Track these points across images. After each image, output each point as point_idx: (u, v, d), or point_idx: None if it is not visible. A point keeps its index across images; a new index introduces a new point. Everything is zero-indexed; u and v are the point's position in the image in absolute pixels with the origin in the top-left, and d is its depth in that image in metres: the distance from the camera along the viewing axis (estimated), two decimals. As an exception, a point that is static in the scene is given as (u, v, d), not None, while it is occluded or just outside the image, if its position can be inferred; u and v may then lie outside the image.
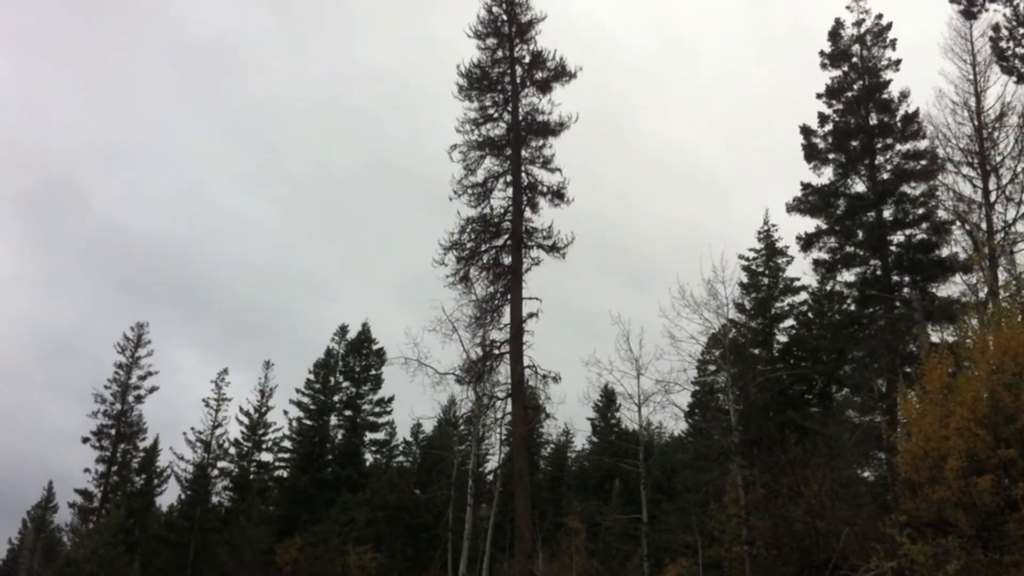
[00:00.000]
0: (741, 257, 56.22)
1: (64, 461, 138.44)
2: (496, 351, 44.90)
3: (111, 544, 67.42)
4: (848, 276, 50.68)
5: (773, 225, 57.38)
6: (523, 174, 45.88)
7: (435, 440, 76.18)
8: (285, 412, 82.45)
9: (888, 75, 52.12)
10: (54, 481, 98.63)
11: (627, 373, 50.73)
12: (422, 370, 47.10)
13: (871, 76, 52.14)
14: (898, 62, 52.18)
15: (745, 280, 55.69)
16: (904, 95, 50.95)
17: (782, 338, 54.99)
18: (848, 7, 53.47)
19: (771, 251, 56.89)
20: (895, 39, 52.52)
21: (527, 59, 47.06)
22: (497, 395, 49.51)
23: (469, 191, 46.11)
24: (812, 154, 52.35)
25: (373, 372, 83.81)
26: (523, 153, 46.08)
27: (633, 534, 54.25)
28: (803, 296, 55.08)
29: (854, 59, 52.92)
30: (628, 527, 55.20)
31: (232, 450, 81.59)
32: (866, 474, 43.58)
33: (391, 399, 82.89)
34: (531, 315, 43.83)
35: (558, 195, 45.78)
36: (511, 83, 46.96)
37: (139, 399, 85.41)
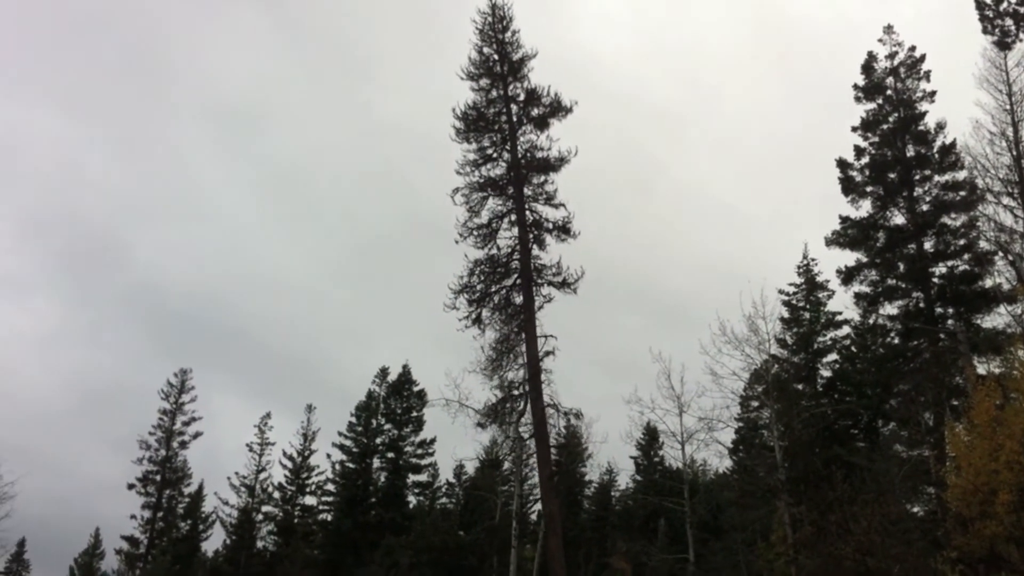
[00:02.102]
0: (781, 292, 56.05)
1: (110, 508, 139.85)
2: (515, 392, 44.69)
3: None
4: (891, 309, 50.41)
5: (813, 259, 57.23)
6: (527, 212, 45.72)
7: (478, 481, 76.09)
8: (328, 455, 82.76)
9: (923, 106, 52.10)
10: (101, 528, 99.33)
11: (669, 411, 50.56)
12: (463, 411, 47.16)
13: (906, 108, 52.11)
14: (933, 93, 52.15)
15: (786, 315, 55.46)
16: (940, 126, 50.89)
17: (826, 373, 54.62)
18: (880, 40, 53.67)
19: (811, 285, 56.65)
20: (929, 71, 52.58)
21: (522, 97, 46.96)
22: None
23: (475, 233, 45.98)
24: (849, 187, 52.27)
25: (414, 414, 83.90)
26: (525, 191, 45.93)
27: (680, 573, 53.74)
28: (846, 330, 54.78)
29: (888, 91, 52.94)
30: (675, 567, 54.66)
31: (276, 494, 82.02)
32: (915, 510, 43.03)
33: (433, 440, 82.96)
34: (547, 353, 43.63)
35: (564, 230, 45.62)
36: (508, 122, 46.84)
37: (183, 445, 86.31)
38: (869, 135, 52.77)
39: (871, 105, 53.23)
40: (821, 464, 42.96)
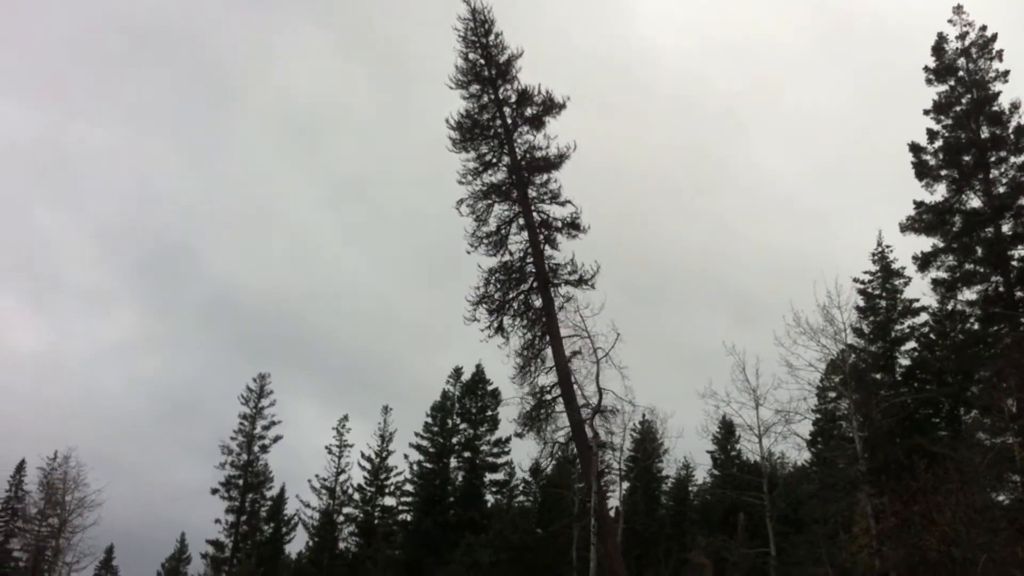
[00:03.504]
0: (856, 281, 55.25)
1: (195, 513, 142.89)
2: (548, 396, 44.28)
3: (244, 593, 69.47)
4: (969, 294, 49.48)
5: (888, 246, 56.31)
6: (534, 213, 45.32)
7: (554, 479, 76.32)
8: (405, 456, 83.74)
9: (997, 87, 51.01)
10: (186, 533, 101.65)
11: (745, 404, 50.40)
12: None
13: (979, 89, 51.06)
14: (1006, 73, 51.06)
15: (861, 304, 54.69)
16: (1015, 106, 49.76)
17: (904, 361, 53.76)
18: (950, 20, 52.66)
19: (887, 273, 55.78)
20: (1001, 50, 51.46)
21: (513, 98, 46.36)
22: (613, 431, 49.44)
23: (485, 241, 45.55)
24: (923, 171, 51.41)
25: (489, 413, 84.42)
26: (530, 192, 45.53)
27: (762, 568, 53.41)
28: (924, 317, 53.84)
29: (960, 73, 51.94)
30: (756, 561, 54.35)
31: (356, 496, 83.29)
32: (1001, 498, 42.19)
33: (508, 439, 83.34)
34: (575, 354, 43.42)
35: (573, 226, 45.12)
36: (503, 125, 46.26)
37: (264, 449, 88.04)
38: (942, 118, 51.82)
39: (943, 87, 52.27)
40: (903, 454, 42.45)
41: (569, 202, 45.35)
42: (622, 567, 41.96)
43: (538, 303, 44.39)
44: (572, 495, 62.05)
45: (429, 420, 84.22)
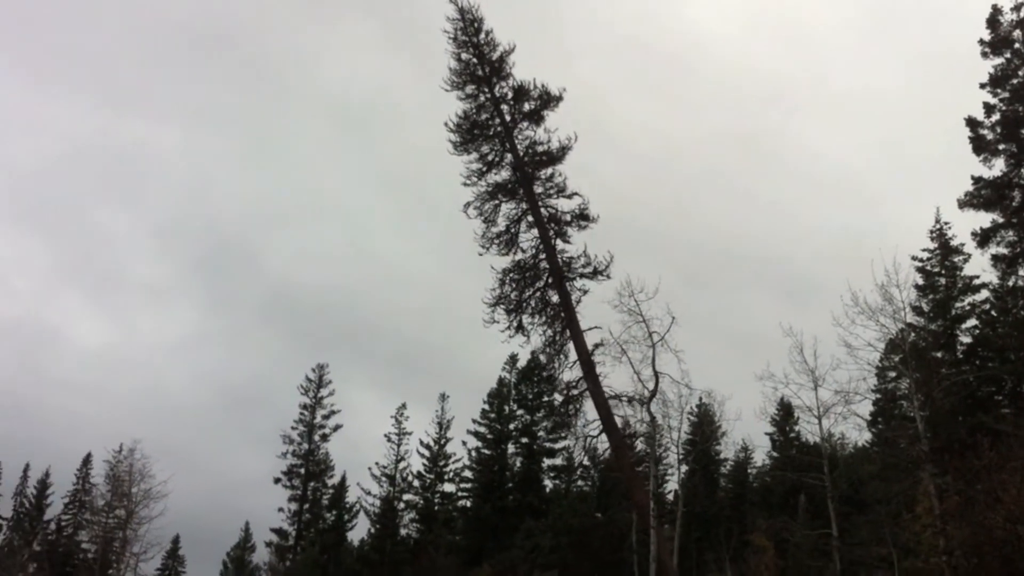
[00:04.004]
0: (914, 259, 54.57)
1: (258, 502, 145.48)
2: (574, 391, 44.12)
3: (309, 581, 70.67)
4: (1031, 269, 48.66)
5: (946, 223, 55.51)
6: (542, 208, 45.09)
7: (612, 463, 76.57)
8: (463, 443, 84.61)
9: (1056, 57, 50.02)
10: (250, 522, 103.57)
11: (803, 385, 50.12)
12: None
13: (1038, 60, 50.14)
14: (1065, 43, 50.05)
15: (920, 282, 54.03)
16: (1075, 76, 48.80)
17: (965, 339, 53.05)
18: (1005, -8, 51.67)
19: (946, 250, 55.04)
20: (1059, 19, 50.40)
21: (510, 95, 45.80)
22: (672, 415, 49.56)
23: (495, 242, 45.31)
24: (980, 146, 50.63)
25: (546, 399, 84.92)
26: (535, 188, 45.25)
27: (824, 549, 53.24)
28: (984, 294, 53.03)
29: (1016, 45, 51.03)
30: (818, 542, 54.18)
31: (416, 482, 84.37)
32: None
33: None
34: (597, 346, 43.25)
35: (583, 217, 44.68)
36: (502, 123, 45.91)
37: (324, 438, 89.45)
38: (998, 91, 50.94)
39: (999, 60, 51.37)
40: (965, 432, 42.04)
41: (576, 193, 45.05)
42: (668, 553, 42.01)
43: (555, 299, 44.30)
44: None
45: (486, 407, 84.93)
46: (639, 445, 68.84)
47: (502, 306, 44.75)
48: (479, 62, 46.58)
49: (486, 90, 46.52)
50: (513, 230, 45.80)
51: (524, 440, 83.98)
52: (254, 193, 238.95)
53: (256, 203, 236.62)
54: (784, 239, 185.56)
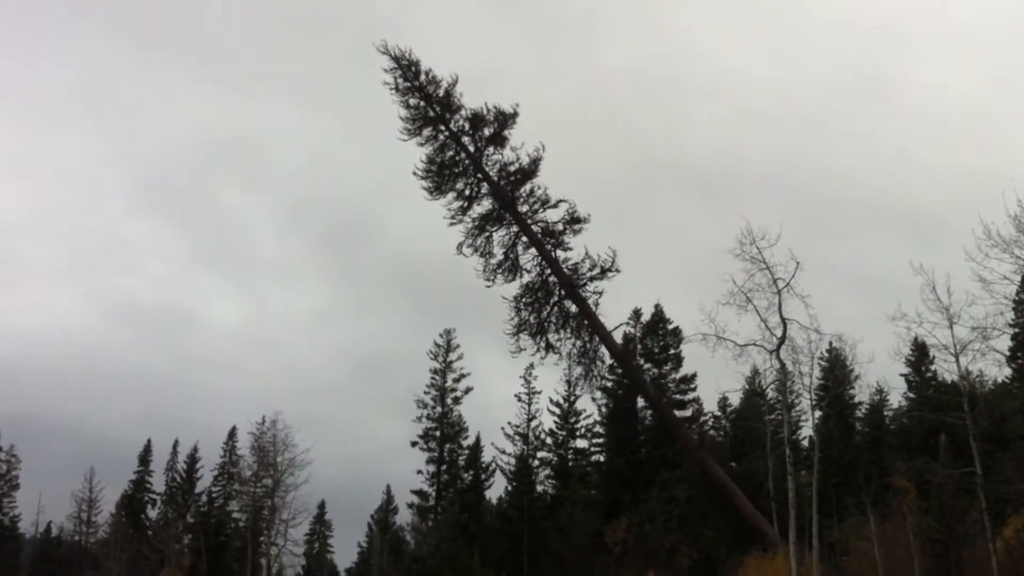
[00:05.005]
0: (1049, 186, 52.45)
1: (398, 466, 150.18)
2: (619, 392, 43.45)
3: (451, 539, 72.77)
4: None
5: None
6: (533, 226, 44.33)
7: (744, 412, 76.35)
8: (593, 399, 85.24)
9: None
10: (391, 485, 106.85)
11: (938, 323, 48.86)
12: (721, 344, 47.64)
13: None
14: None
15: (1057, 209, 51.92)
16: None
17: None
18: None
19: (1083, 175, 52.73)
20: None
21: (467, 126, 45.15)
22: (802, 361, 49.08)
23: (498, 272, 45.10)
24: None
25: (672, 352, 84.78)
26: (521, 208, 44.47)
27: (968, 488, 52.17)
28: None
29: None
30: (961, 481, 53.12)
31: (548, 440, 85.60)
32: None
33: (694, 376, 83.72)
34: (630, 340, 42.92)
35: (574, 221, 44.18)
36: (467, 156, 45.23)
37: (456, 400, 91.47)
38: None
39: None
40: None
41: (562, 200, 44.81)
42: (752, 510, 41.46)
43: (574, 309, 44.03)
44: (763, 427, 61.83)
45: (613, 362, 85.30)
46: (769, 393, 68.42)
47: (524, 332, 44.76)
48: (427, 103, 46.00)
49: (442, 128, 46.15)
50: (511, 255, 45.80)
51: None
52: (371, 165, 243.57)
53: (373, 175, 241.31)
54: (905, 180, 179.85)
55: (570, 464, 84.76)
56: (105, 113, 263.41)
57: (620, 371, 45.27)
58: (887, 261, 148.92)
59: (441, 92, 46.08)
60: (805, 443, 73.59)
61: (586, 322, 44.35)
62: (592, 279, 44.72)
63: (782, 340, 46.44)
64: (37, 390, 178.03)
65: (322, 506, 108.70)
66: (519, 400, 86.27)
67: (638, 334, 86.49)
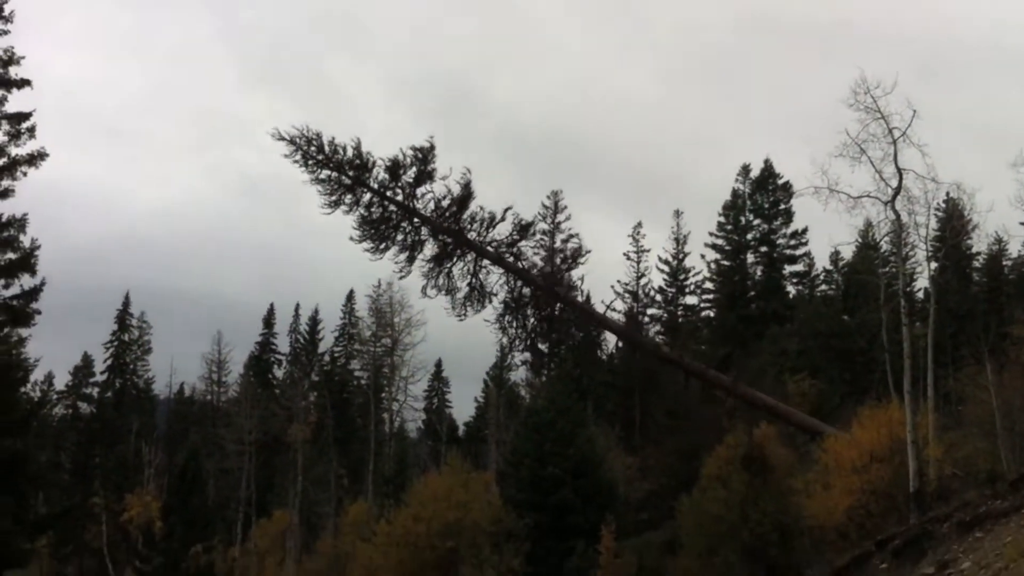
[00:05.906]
0: None
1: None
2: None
3: (564, 393, 74.90)
4: None
5: None
6: (487, 248, 43.18)
7: (857, 265, 75.62)
8: (702, 256, 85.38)
9: None
10: (505, 343, 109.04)
11: (1064, 168, 47.42)
12: (834, 197, 46.94)
13: None
14: None
15: None
16: None
17: None
18: None
19: None
20: None
21: (385, 177, 43.49)
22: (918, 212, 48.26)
23: (468, 304, 44.28)
24: None
25: (782, 206, 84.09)
26: (470, 236, 43.14)
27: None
28: None
29: None
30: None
31: (658, 297, 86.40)
32: None
33: (805, 230, 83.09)
34: (629, 316, 42.74)
35: (523, 230, 43.01)
36: (398, 205, 43.66)
37: (564, 260, 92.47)
38: None
39: None
40: None
41: (508, 208, 44.11)
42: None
43: (559, 306, 43.76)
44: (877, 280, 61.30)
45: (722, 219, 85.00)
46: (884, 246, 67.55)
47: (521, 347, 44.90)
48: (335, 167, 44.67)
49: (362, 190, 44.84)
50: (475, 283, 45.16)
51: (763, 249, 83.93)
52: (474, 36, 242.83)
53: (477, 46, 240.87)
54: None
55: (680, 320, 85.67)
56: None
57: (631, 343, 46.20)
58: (1009, 108, 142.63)
59: (348, 155, 45.63)
60: (920, 295, 72.88)
61: (576, 314, 45.09)
62: (568, 268, 45.12)
63: (897, 191, 45.39)
64: (164, 260, 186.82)
65: (439, 364, 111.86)
66: (628, 259, 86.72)
67: (747, 190, 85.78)
